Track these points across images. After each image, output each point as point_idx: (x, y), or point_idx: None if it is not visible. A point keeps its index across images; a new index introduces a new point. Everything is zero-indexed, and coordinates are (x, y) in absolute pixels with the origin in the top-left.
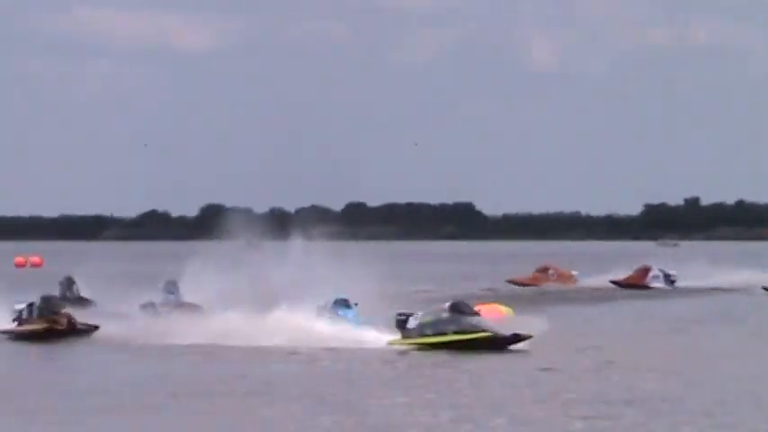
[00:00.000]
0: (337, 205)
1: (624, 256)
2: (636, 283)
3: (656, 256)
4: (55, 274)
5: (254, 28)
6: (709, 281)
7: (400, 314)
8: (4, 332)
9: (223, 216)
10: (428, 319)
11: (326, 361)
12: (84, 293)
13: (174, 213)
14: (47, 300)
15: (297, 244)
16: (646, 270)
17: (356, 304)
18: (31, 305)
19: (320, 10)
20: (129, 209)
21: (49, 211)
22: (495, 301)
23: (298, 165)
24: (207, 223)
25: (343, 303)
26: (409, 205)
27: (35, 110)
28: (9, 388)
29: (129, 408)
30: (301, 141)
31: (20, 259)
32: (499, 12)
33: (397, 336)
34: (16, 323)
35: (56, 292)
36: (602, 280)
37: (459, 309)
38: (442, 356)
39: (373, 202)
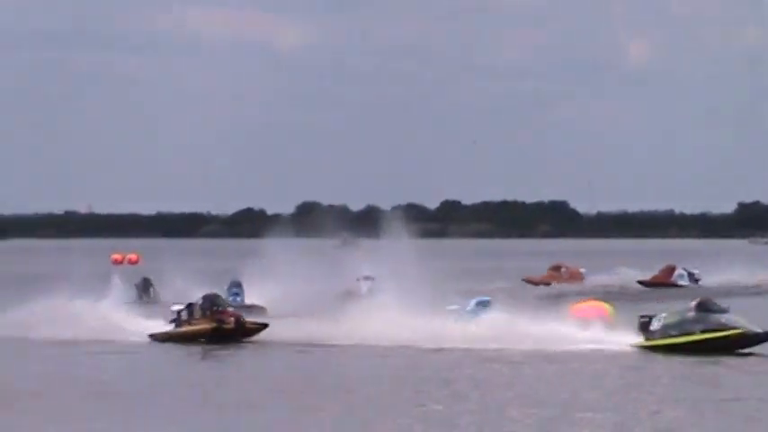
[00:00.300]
0: (432, 203)
1: (717, 255)
2: (662, 282)
3: (750, 254)
4: (152, 271)
5: (353, 26)
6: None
7: (643, 316)
8: (166, 335)
9: (319, 213)
10: (672, 319)
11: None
12: (162, 292)
13: (270, 211)
14: (210, 299)
15: (391, 242)
16: (671, 269)
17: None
18: (190, 305)
19: (419, 8)
20: (226, 207)
21: (148, 208)
22: (596, 298)
23: (394, 163)
24: (303, 221)
25: (486, 304)
26: (504, 203)
27: (133, 109)
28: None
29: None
30: (397, 139)
31: (117, 256)
32: (593, 12)
33: (639, 338)
34: (174, 325)
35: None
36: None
37: (706, 307)
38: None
39: (468, 200)
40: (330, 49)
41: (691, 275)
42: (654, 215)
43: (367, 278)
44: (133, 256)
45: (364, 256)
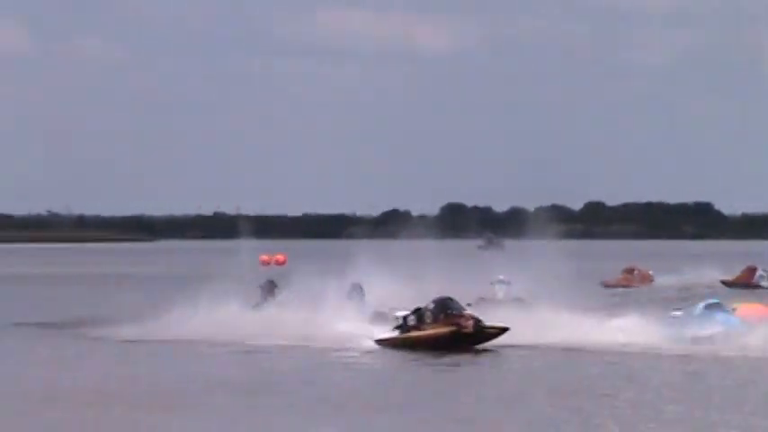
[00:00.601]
0: (576, 204)
1: None
2: (744, 282)
3: None
4: (298, 271)
5: (495, 29)
6: None
7: None
8: (396, 340)
9: (463, 215)
10: None
11: None
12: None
13: (416, 212)
14: (443, 302)
15: (535, 243)
16: (753, 270)
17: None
18: (418, 310)
19: (555, 9)
20: (373, 208)
21: (294, 210)
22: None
23: (538, 164)
24: (447, 222)
25: (717, 307)
26: (648, 205)
27: (280, 111)
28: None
29: None
30: (541, 141)
31: (265, 257)
32: (734, 12)
33: None
34: (399, 331)
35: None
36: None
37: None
38: None
39: (612, 201)
40: (473, 51)
41: None
42: None
43: (501, 282)
44: (280, 257)
45: (505, 258)
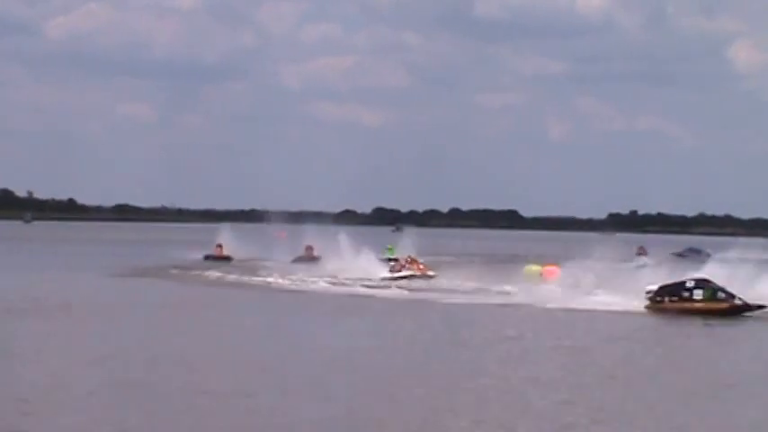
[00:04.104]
0: (445, 209)
1: None
2: None
3: None
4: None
5: None
6: None
7: None
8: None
9: (385, 213)
10: None
11: None
12: None
13: (359, 210)
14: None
15: (423, 230)
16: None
17: None
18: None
19: None
20: (333, 207)
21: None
22: None
23: (431, 182)
24: (376, 217)
25: None
26: (485, 210)
27: None
28: None
29: None
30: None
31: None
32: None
33: None
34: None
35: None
36: None
37: None
38: None
39: (466, 207)
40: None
41: None
42: None
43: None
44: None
45: (405, 238)
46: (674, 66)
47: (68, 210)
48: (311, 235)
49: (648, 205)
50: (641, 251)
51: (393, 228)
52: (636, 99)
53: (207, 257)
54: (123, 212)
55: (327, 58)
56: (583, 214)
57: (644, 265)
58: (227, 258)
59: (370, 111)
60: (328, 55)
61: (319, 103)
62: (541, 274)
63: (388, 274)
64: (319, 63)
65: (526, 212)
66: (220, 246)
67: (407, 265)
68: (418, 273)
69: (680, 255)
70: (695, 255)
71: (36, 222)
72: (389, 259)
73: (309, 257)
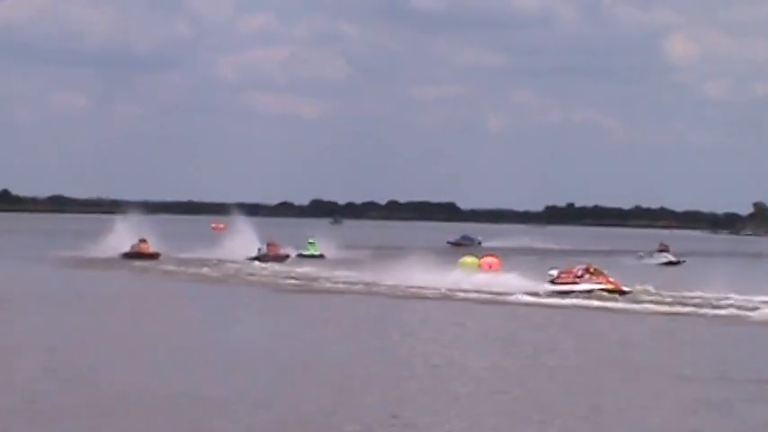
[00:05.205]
0: (383, 200)
1: None
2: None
3: None
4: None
5: None
6: None
7: None
8: None
9: (323, 205)
10: None
11: None
12: None
13: (297, 203)
14: None
15: (360, 222)
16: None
17: None
18: None
19: None
20: (271, 200)
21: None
22: None
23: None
24: (314, 209)
25: None
26: (422, 203)
27: None
28: None
29: None
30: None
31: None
32: None
33: None
34: None
35: None
36: None
37: None
38: None
39: (403, 199)
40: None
41: None
42: None
43: None
44: (222, 225)
45: (342, 229)
46: (610, 58)
47: (2, 201)
48: (243, 227)
49: (585, 198)
50: (663, 247)
51: (331, 220)
52: (572, 91)
53: (126, 255)
54: (58, 204)
55: (264, 49)
56: (520, 207)
57: (667, 262)
58: (153, 256)
59: (308, 102)
60: (265, 46)
61: (256, 94)
62: (479, 266)
63: (558, 287)
64: (256, 53)
65: (464, 205)
66: (145, 240)
67: (587, 276)
68: (609, 286)
69: (455, 243)
70: (468, 242)
71: None
72: (314, 255)
73: (274, 255)
